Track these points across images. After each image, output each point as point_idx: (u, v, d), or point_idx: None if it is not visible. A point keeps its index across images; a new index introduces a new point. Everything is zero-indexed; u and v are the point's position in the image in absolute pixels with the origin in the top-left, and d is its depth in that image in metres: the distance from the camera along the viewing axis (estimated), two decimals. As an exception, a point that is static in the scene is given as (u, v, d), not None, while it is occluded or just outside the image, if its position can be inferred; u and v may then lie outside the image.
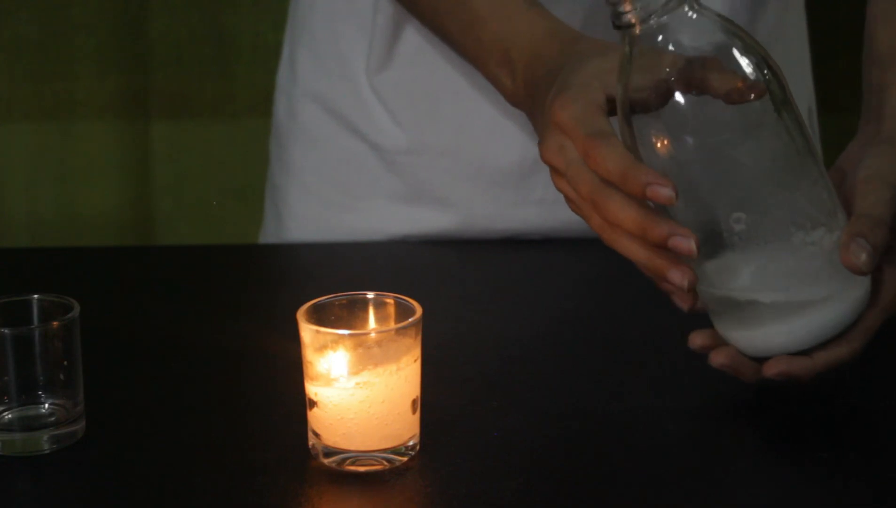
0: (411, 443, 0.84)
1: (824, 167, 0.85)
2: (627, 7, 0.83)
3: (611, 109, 0.86)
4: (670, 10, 0.82)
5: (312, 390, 0.84)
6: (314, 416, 0.84)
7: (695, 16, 0.83)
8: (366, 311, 0.87)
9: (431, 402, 0.87)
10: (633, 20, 0.83)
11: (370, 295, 0.87)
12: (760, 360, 0.85)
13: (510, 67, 0.96)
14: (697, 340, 0.86)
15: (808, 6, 1.18)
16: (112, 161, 2.02)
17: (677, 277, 0.83)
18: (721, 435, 0.87)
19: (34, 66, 1.97)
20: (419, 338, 0.84)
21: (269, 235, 1.25)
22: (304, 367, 0.84)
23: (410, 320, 0.84)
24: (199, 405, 0.91)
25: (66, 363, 0.86)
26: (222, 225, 2.03)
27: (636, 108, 0.83)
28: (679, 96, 0.82)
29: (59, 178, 2.02)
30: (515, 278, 1.12)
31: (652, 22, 0.82)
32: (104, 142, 2.01)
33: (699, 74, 0.82)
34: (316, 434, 0.84)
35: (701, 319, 0.87)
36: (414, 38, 1.14)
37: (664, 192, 0.80)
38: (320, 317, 0.85)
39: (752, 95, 0.82)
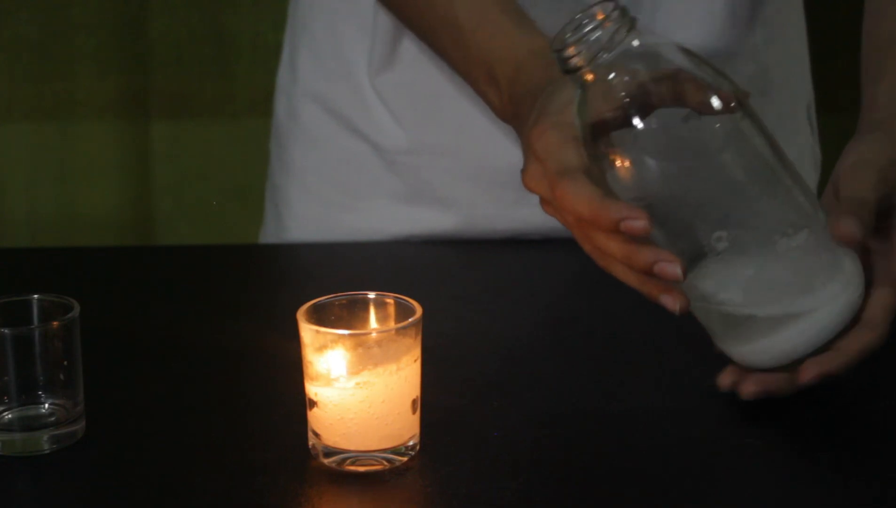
0: (411, 443, 0.84)
1: (795, 168, 0.84)
2: (572, 51, 0.81)
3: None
4: (616, 46, 0.81)
5: (312, 390, 0.84)
6: (314, 416, 0.84)
7: (641, 44, 0.81)
8: (366, 311, 0.87)
9: (431, 402, 0.87)
10: (580, 62, 0.81)
11: (370, 295, 0.87)
12: (784, 369, 0.85)
13: (495, 84, 0.97)
14: (726, 380, 0.87)
15: (808, 6, 1.18)
16: (112, 161, 2.02)
17: (669, 302, 0.83)
18: (721, 435, 0.87)
19: (34, 66, 1.97)
20: (419, 338, 0.84)
21: (270, 235, 1.25)
22: (304, 367, 0.84)
23: (410, 320, 0.84)
24: (199, 405, 0.91)
25: (66, 363, 0.86)
26: (222, 225, 2.03)
27: (600, 141, 0.82)
28: (639, 122, 0.81)
29: (59, 178, 2.02)
30: (515, 278, 1.12)
31: (600, 61, 0.81)
32: (104, 142, 2.01)
33: (670, 88, 0.81)
34: (316, 434, 0.84)
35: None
36: (415, 39, 1.14)
37: (637, 224, 0.80)
38: (320, 317, 0.85)
39: (732, 103, 0.81)
